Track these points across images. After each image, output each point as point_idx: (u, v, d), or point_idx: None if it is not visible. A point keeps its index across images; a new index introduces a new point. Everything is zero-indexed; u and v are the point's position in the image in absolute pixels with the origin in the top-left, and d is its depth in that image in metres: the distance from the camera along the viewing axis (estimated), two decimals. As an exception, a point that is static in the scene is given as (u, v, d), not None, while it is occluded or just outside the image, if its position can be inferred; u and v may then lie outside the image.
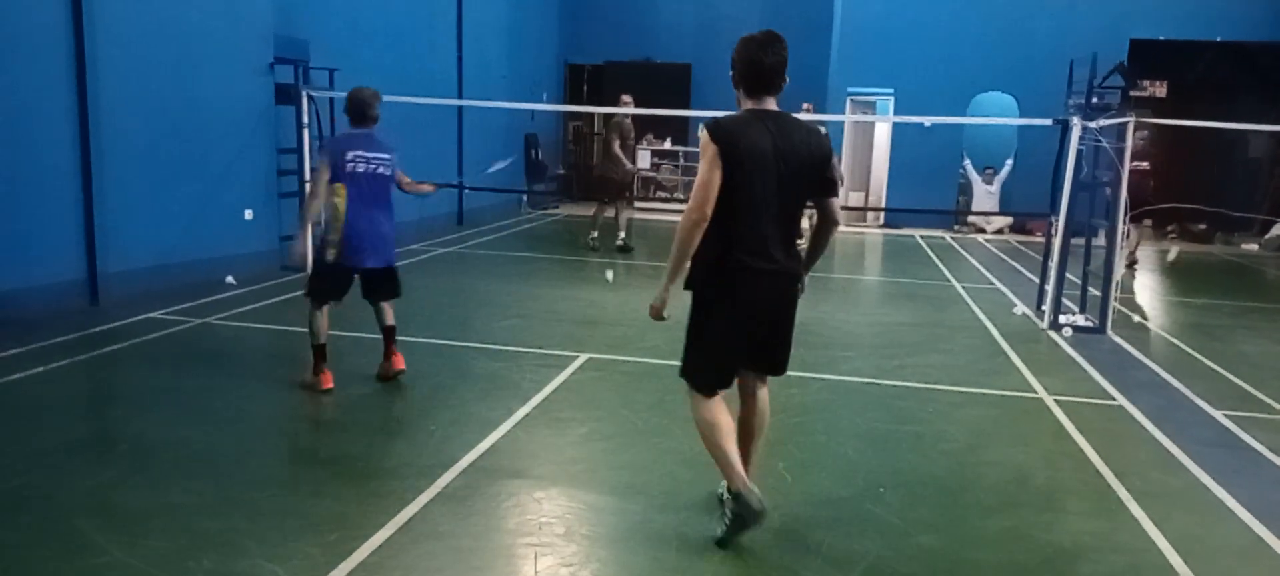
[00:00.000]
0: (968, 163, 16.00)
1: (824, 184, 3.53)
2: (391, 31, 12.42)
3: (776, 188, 3.37)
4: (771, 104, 3.45)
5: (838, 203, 3.58)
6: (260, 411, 5.08)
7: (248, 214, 9.38)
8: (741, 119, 3.42)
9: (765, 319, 3.53)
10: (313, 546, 3.42)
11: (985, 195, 15.77)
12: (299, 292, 8.24)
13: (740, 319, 3.49)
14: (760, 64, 3.38)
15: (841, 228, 17.01)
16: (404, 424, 4.85)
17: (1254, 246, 11.15)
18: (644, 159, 18.13)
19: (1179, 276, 11.78)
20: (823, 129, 3.91)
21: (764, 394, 3.78)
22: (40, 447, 4.36)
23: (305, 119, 9.26)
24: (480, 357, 6.28)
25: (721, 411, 3.58)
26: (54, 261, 7.13)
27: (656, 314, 3.54)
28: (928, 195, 15.40)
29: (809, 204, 3.58)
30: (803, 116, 12.65)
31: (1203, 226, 14.24)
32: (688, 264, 3.45)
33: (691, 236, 3.37)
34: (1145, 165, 10.84)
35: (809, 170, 3.43)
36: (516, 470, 4.29)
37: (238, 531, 3.55)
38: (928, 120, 14.03)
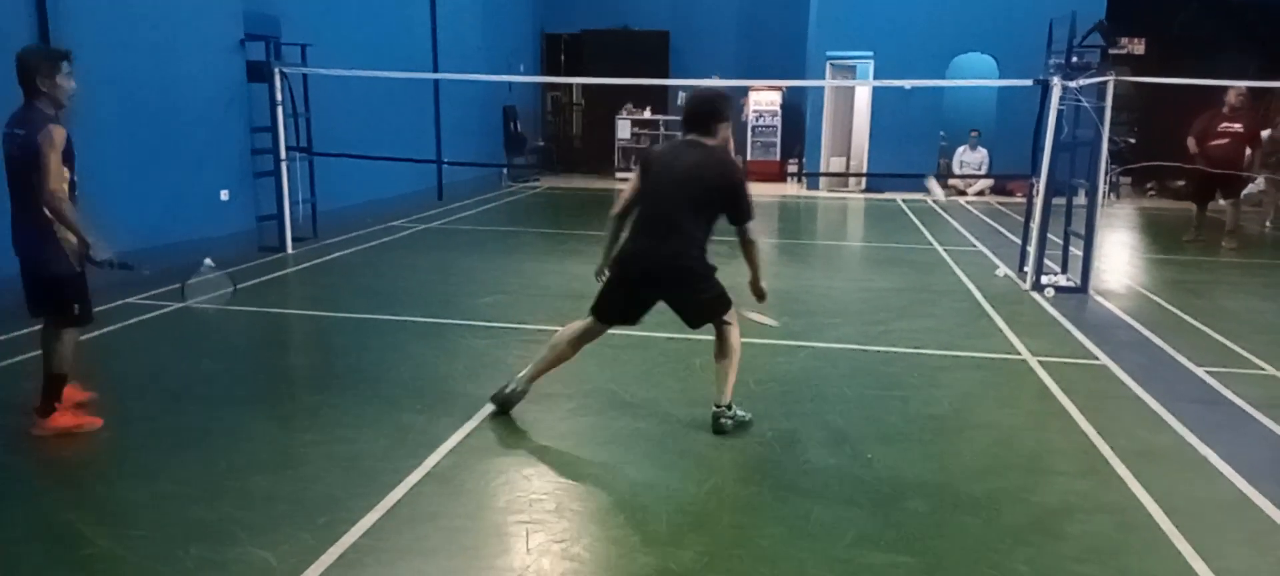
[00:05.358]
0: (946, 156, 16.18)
1: (704, 198, 4.29)
2: (364, 3, 12.23)
3: (667, 194, 4.29)
4: (691, 136, 4.40)
5: (748, 228, 4.32)
6: (244, 395, 5.03)
7: (224, 194, 9.27)
8: (669, 144, 4.66)
9: (648, 286, 4.38)
10: (303, 531, 3.40)
11: (970, 159, 15.87)
12: (273, 275, 8.16)
13: (621, 278, 4.45)
14: (683, 111, 4.56)
15: (825, 193, 17.10)
16: (391, 404, 4.81)
17: (1223, 203, 11.09)
18: (624, 129, 18.05)
19: (1159, 234, 11.87)
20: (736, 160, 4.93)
21: (718, 342, 4.49)
22: (22, 440, 4.29)
23: (279, 96, 9.12)
24: (465, 335, 6.25)
25: (579, 329, 4.53)
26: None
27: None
28: (909, 158, 15.39)
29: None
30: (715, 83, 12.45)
31: (1182, 183, 14.33)
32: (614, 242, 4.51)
33: (610, 225, 4.52)
34: (1238, 127, 10.45)
35: (693, 185, 4.26)
36: (505, 447, 4.28)
37: (226, 518, 3.52)
38: (908, 83, 13.99)
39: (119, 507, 3.62)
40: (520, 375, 4.63)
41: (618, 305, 4.49)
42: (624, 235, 4.46)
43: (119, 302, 6.85)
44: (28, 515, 3.55)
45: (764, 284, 4.55)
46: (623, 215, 4.46)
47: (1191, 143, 10.57)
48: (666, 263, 4.29)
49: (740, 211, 4.31)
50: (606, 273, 4.53)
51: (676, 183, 4.27)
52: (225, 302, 5.16)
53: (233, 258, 8.46)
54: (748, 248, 4.39)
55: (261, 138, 9.38)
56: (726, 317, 4.42)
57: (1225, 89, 10.37)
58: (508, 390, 4.59)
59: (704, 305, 4.41)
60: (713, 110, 4.41)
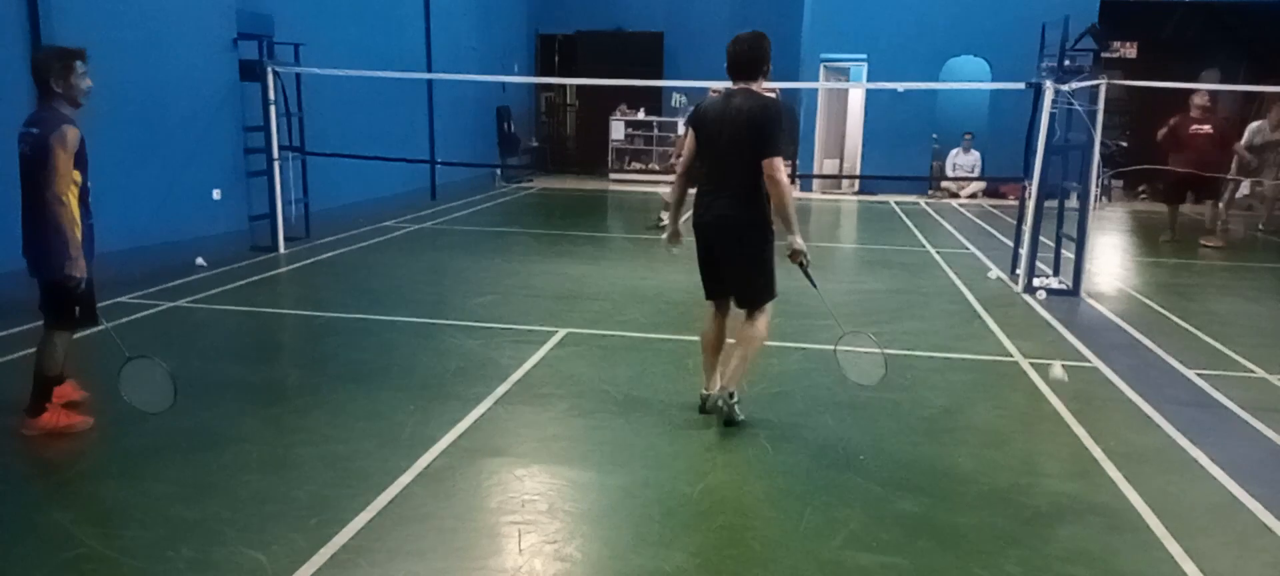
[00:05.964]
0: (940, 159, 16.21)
1: (748, 140, 4.22)
2: (357, 3, 12.21)
3: (720, 146, 4.31)
4: (739, 84, 4.38)
5: (773, 162, 4.15)
6: (235, 395, 5.02)
7: (216, 194, 9.25)
8: (714, 96, 4.47)
9: (710, 249, 4.46)
10: (293, 531, 3.39)
11: (963, 162, 15.92)
12: (265, 275, 8.14)
13: (697, 245, 4.56)
14: (727, 55, 4.41)
15: (819, 195, 17.10)
16: (382, 404, 4.81)
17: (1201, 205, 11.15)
18: (618, 130, 18.05)
19: (1150, 237, 11.92)
20: (772, 95, 4.51)
21: (743, 323, 4.51)
22: (12, 440, 4.27)
23: (272, 95, 9.10)
24: (457, 335, 6.24)
25: (709, 320, 4.69)
26: (18, 248, 6.95)
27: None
28: (902, 161, 15.44)
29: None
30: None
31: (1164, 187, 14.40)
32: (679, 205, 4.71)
33: (674, 185, 4.73)
34: (1208, 129, 10.57)
35: (740, 130, 4.23)
36: (497, 448, 4.27)
37: (217, 519, 3.51)
38: (901, 86, 14.01)
39: (108, 507, 3.61)
40: (704, 389, 4.70)
41: (709, 271, 4.55)
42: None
43: (112, 301, 6.82)
44: (15, 515, 3.53)
45: (799, 240, 4.28)
46: (683, 175, 4.56)
47: (1163, 137, 10.72)
48: (717, 218, 4.34)
49: (765, 142, 4.15)
50: (679, 240, 4.68)
51: (728, 132, 4.26)
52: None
53: (224, 257, 8.45)
54: (772, 187, 4.17)
55: (254, 137, 9.36)
56: (764, 308, 4.46)
57: (1204, 93, 10.51)
58: (709, 404, 4.64)
59: (746, 270, 4.40)
60: (760, 53, 4.36)
